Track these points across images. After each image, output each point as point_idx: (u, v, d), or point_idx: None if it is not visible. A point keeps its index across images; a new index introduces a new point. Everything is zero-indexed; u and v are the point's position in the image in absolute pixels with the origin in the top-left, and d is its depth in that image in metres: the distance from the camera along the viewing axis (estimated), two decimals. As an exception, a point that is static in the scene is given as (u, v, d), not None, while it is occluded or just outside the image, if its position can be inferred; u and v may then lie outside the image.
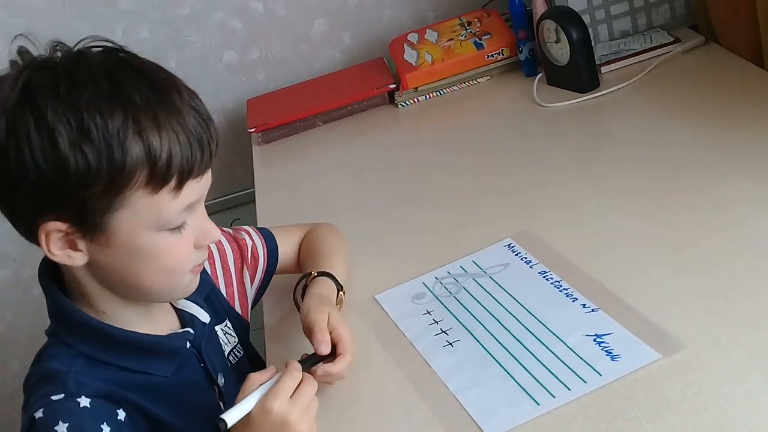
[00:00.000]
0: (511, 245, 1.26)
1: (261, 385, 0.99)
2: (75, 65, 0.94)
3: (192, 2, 2.08)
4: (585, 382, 0.98)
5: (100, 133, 0.91)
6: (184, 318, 1.12)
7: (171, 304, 1.12)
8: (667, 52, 1.70)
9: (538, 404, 0.97)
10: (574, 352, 1.03)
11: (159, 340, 1.06)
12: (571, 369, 1.00)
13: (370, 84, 1.92)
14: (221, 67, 2.14)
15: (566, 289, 1.13)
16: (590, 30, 1.77)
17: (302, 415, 0.96)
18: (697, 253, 1.13)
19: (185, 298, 1.12)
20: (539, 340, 1.06)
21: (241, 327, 1.24)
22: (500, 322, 1.12)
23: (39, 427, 0.95)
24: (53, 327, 1.05)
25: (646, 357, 0.99)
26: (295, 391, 0.98)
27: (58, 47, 0.96)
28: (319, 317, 1.10)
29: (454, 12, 2.03)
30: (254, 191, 1.73)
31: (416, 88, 1.87)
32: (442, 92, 1.88)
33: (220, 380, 1.13)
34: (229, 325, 1.22)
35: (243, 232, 1.31)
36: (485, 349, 1.08)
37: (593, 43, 1.77)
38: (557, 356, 1.03)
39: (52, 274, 1.04)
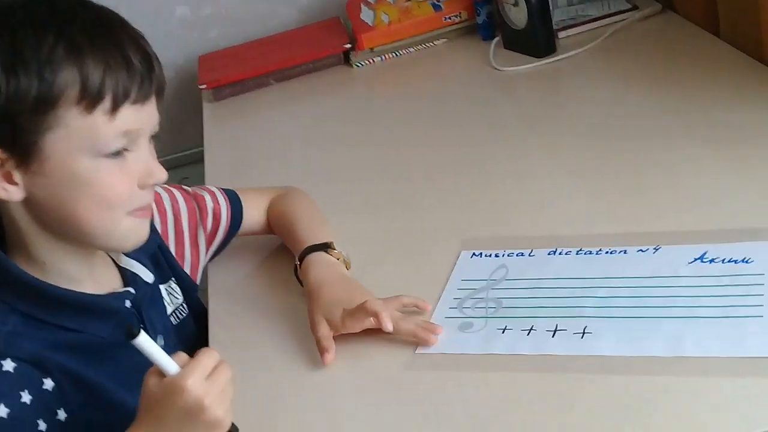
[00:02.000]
0: (478, 253, 1.14)
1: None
2: None
3: (143, -46, 2.03)
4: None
5: (32, 51, 0.91)
6: (127, 277, 1.09)
7: (114, 262, 1.09)
8: (623, 20, 1.70)
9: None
10: (705, 276, 0.97)
11: (97, 300, 1.03)
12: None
13: (326, 43, 1.89)
14: (173, 21, 2.09)
15: (596, 251, 1.06)
16: (548, -6, 1.76)
17: (218, 397, 0.87)
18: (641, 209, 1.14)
19: (129, 256, 1.09)
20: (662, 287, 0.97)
21: (189, 286, 1.22)
22: (600, 295, 0.99)
23: None
24: None
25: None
26: (211, 373, 0.88)
27: None
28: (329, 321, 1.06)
29: (415, -26, 2.00)
30: (203, 150, 1.70)
31: (372, 48, 1.85)
32: (398, 54, 1.85)
33: (160, 341, 1.09)
34: (173, 285, 1.19)
35: (206, 192, 1.28)
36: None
37: (551, 8, 1.76)
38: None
39: None
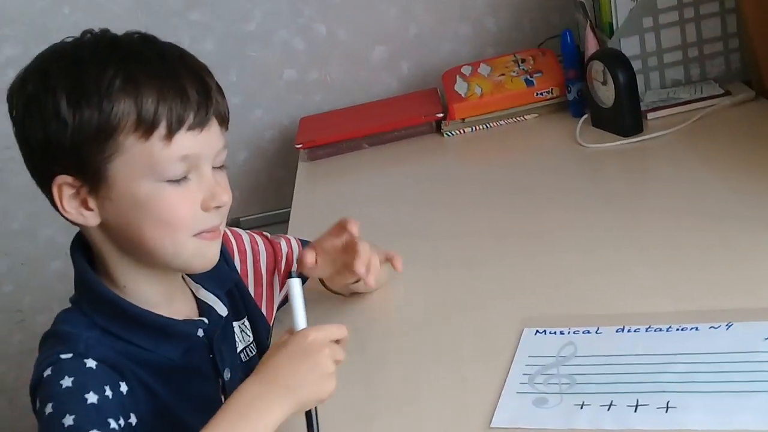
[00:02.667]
0: (542, 330, 1.12)
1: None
2: (84, 36, 1.05)
3: (258, 19, 2.14)
4: None
5: (94, 84, 0.99)
6: (202, 308, 1.15)
7: (192, 293, 1.15)
8: (714, 105, 1.70)
9: None
10: None
11: (171, 323, 1.09)
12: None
13: (420, 111, 1.95)
14: (281, 84, 2.20)
15: (666, 328, 1.06)
16: (642, 76, 1.78)
17: (331, 357, 0.98)
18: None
19: (207, 289, 1.15)
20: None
21: (262, 328, 1.26)
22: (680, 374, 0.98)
23: (46, 383, 0.99)
24: (76, 295, 1.09)
25: None
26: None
27: (88, 33, 1.05)
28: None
29: (513, 49, 2.05)
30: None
31: (463, 119, 1.90)
32: (488, 125, 1.90)
33: (227, 374, 1.15)
34: (247, 323, 1.24)
35: (282, 239, 1.34)
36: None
37: (643, 90, 1.78)
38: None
39: (81, 249, 1.09)
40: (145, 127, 1.00)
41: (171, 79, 1.01)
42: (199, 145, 1.03)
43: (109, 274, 1.08)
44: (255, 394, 0.96)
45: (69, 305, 1.09)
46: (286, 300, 1.31)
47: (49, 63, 1.03)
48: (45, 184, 1.04)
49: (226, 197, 1.06)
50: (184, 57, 1.06)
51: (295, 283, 1.02)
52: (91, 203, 1.03)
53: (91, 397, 0.99)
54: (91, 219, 1.04)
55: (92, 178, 1.02)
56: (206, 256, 1.08)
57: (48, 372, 1.00)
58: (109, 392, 1.01)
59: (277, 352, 0.99)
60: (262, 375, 0.98)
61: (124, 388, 1.03)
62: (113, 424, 0.99)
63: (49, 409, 0.97)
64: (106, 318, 1.05)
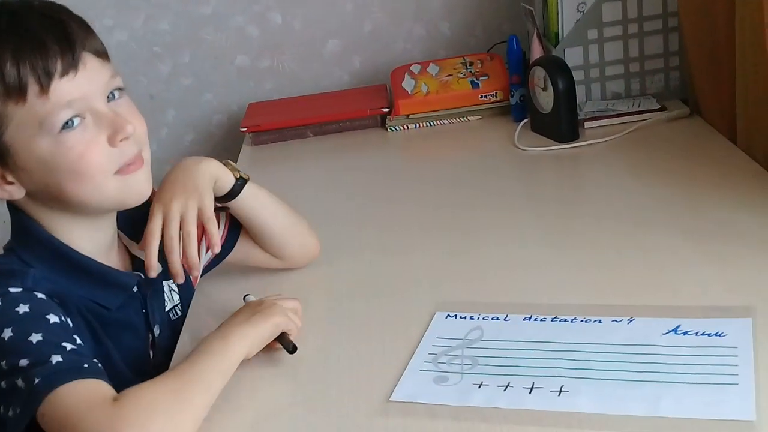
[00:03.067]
0: (453, 315, 1.15)
1: None
2: None
3: (215, 3, 2.15)
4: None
5: None
6: (136, 264, 1.17)
7: (126, 249, 1.18)
8: (650, 119, 1.74)
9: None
10: (680, 346, 1.00)
11: (111, 271, 1.12)
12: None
13: (366, 105, 1.98)
14: (232, 69, 2.21)
15: (571, 319, 1.09)
16: (583, 87, 1.82)
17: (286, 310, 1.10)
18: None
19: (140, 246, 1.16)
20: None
21: (188, 290, 1.27)
22: (576, 359, 1.01)
23: None
24: (11, 243, 1.09)
25: (739, 324, 1.01)
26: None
27: None
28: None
29: (464, 54, 2.08)
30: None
31: (408, 115, 1.92)
32: (432, 123, 1.93)
33: (156, 330, 1.18)
34: (173, 285, 1.24)
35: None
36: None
37: (583, 100, 1.82)
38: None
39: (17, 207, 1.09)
40: (16, 92, 1.00)
41: (26, 35, 1.00)
42: (79, 87, 1.02)
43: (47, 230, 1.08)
44: (214, 340, 1.04)
45: None
46: (207, 269, 1.33)
47: None
48: None
49: (129, 127, 1.05)
50: (35, 5, 1.04)
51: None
52: (9, 177, 1.03)
53: (53, 318, 1.00)
54: (15, 192, 1.05)
55: (1, 156, 1.02)
56: (135, 189, 1.08)
57: None
58: (65, 318, 1.02)
59: (233, 316, 1.09)
60: (220, 328, 1.07)
61: (70, 321, 1.03)
62: (79, 340, 1.00)
63: (8, 333, 0.97)
64: (46, 264, 1.06)
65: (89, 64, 1.04)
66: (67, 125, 1.02)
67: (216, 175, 1.21)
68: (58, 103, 1.01)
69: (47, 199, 1.06)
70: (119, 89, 1.07)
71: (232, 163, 1.26)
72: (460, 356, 1.06)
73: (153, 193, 1.16)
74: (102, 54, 1.06)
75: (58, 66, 1.01)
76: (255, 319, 1.07)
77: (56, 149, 1.02)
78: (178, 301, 1.25)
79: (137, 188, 1.09)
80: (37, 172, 1.03)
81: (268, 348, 1.10)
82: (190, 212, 1.15)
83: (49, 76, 1.01)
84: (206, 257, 1.32)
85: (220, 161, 1.23)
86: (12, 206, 1.09)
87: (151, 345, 1.18)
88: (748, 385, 0.92)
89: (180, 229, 1.15)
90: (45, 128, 1.01)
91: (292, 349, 1.09)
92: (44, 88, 1.00)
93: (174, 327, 1.22)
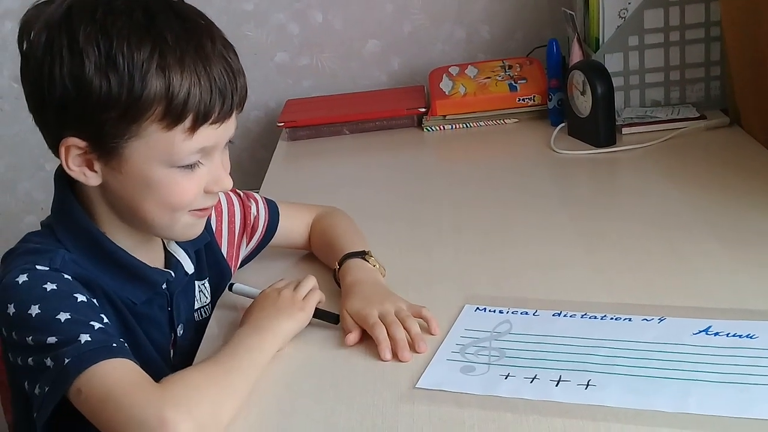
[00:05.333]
0: (482, 308, 1.15)
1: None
2: None
3: (257, 0, 2.18)
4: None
5: (126, 62, 0.97)
6: (171, 262, 1.17)
7: (163, 244, 1.17)
8: (688, 127, 1.73)
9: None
10: (710, 346, 0.99)
11: (143, 267, 1.11)
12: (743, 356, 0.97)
13: (403, 105, 1.99)
14: (272, 66, 2.23)
15: (601, 316, 1.09)
16: (622, 93, 1.82)
17: (302, 303, 1.13)
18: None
19: (178, 243, 1.17)
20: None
21: (220, 290, 1.28)
22: (606, 355, 1.01)
23: (22, 288, 0.99)
24: (50, 220, 1.10)
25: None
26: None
27: None
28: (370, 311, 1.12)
29: (504, 57, 2.08)
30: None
31: (444, 116, 1.93)
32: (468, 125, 1.93)
33: (180, 330, 1.18)
34: (207, 285, 1.26)
35: (252, 200, 1.34)
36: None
37: (622, 106, 1.82)
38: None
39: (67, 181, 1.09)
40: (172, 119, 0.99)
41: (203, 68, 0.99)
42: (216, 136, 1.03)
43: (91, 216, 1.08)
44: (249, 335, 1.07)
45: None
46: (246, 261, 1.35)
47: (77, 24, 0.98)
48: (53, 138, 1.03)
49: (228, 183, 1.07)
50: (215, 38, 1.03)
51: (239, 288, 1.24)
52: (96, 167, 1.03)
53: (80, 297, 1.01)
54: (92, 180, 1.04)
55: (106, 152, 1.01)
56: (194, 231, 1.11)
57: (24, 278, 1.00)
58: (93, 300, 1.03)
59: (251, 311, 1.14)
60: (249, 322, 1.10)
61: (96, 302, 1.04)
62: (105, 319, 1.01)
63: (35, 309, 0.98)
64: (80, 248, 1.06)
65: (232, 116, 1.05)
66: (188, 167, 1.03)
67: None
68: (194, 146, 1.02)
69: (117, 201, 1.06)
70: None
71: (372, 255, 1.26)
72: (488, 348, 1.05)
73: None
74: (242, 105, 1.06)
75: (216, 113, 1.01)
76: (283, 318, 1.10)
77: (164, 180, 1.03)
78: (207, 302, 1.26)
79: (195, 231, 1.11)
80: (130, 184, 1.03)
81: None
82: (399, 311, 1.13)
83: (206, 119, 1.01)
84: (246, 250, 1.34)
85: (365, 257, 1.25)
86: (60, 181, 1.09)
87: (172, 344, 1.18)
88: (778, 386, 0.91)
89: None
90: (169, 160, 1.02)
91: (335, 320, 1.14)
92: (194, 129, 1.01)
93: (199, 328, 1.22)
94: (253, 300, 1.18)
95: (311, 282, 1.18)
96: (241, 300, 1.23)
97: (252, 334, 1.07)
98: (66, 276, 1.02)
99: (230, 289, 1.24)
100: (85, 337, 0.96)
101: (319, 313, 1.15)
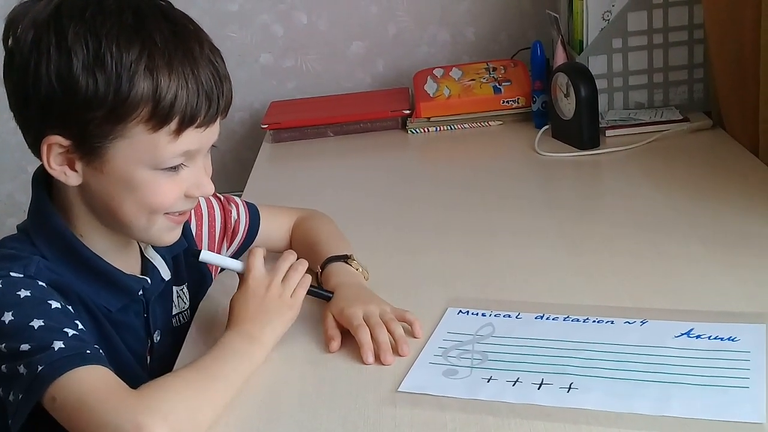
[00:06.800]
0: (465, 311, 1.15)
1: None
2: None
3: (241, 0, 2.17)
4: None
5: (114, 62, 0.96)
6: (147, 267, 1.16)
7: (140, 250, 1.17)
8: (671, 129, 1.73)
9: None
10: (692, 349, 0.99)
11: (119, 274, 1.10)
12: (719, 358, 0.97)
13: (387, 107, 1.99)
14: (256, 67, 2.23)
15: (584, 319, 1.09)
16: (606, 95, 1.82)
17: (288, 296, 1.11)
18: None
19: (155, 249, 1.16)
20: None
21: (202, 295, 1.27)
22: (589, 358, 1.01)
23: None
24: (26, 224, 1.09)
25: (752, 329, 1.01)
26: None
27: None
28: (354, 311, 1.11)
29: (488, 59, 2.08)
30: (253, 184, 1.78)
31: (429, 118, 1.93)
32: (452, 127, 1.93)
33: (156, 336, 1.17)
34: (186, 290, 1.25)
35: (232, 204, 1.34)
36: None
37: (606, 108, 1.82)
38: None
39: (44, 184, 1.08)
40: (158, 121, 0.99)
41: (191, 71, 0.99)
42: (201, 140, 1.03)
43: (68, 219, 1.08)
44: (238, 340, 1.06)
45: None
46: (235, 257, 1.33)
47: (66, 22, 0.98)
48: (34, 137, 1.02)
49: (209, 188, 1.07)
50: (203, 42, 1.03)
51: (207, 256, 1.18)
52: (78, 166, 1.02)
53: (54, 303, 1.00)
54: (72, 179, 1.03)
55: (89, 151, 1.00)
56: (169, 237, 1.10)
57: None
58: (67, 307, 1.01)
59: (237, 304, 1.11)
60: (237, 325, 1.08)
61: (71, 308, 1.03)
62: (80, 326, 1.00)
63: (8, 317, 0.97)
64: (55, 254, 1.05)
65: (216, 121, 1.05)
66: (171, 169, 1.02)
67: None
68: (179, 149, 1.01)
69: (96, 202, 1.05)
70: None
71: (355, 259, 1.25)
72: (471, 351, 1.05)
73: None
74: (227, 110, 1.06)
75: (202, 116, 1.01)
76: (274, 324, 1.08)
77: (146, 182, 1.02)
78: (186, 307, 1.24)
79: (172, 237, 1.10)
80: (111, 185, 1.02)
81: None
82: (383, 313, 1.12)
83: (191, 122, 1.00)
84: (226, 254, 1.32)
85: (348, 261, 1.24)
86: (38, 183, 1.08)
87: (149, 350, 1.17)
88: (759, 389, 0.91)
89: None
90: (153, 163, 1.01)
91: (327, 298, 1.15)
92: (179, 132, 1.00)
93: (177, 334, 1.20)
94: (238, 278, 1.14)
95: (300, 271, 1.14)
96: (222, 304, 1.22)
97: (239, 341, 1.06)
98: (40, 283, 1.01)
99: (197, 258, 1.17)
100: (58, 344, 0.95)
101: (311, 292, 1.14)
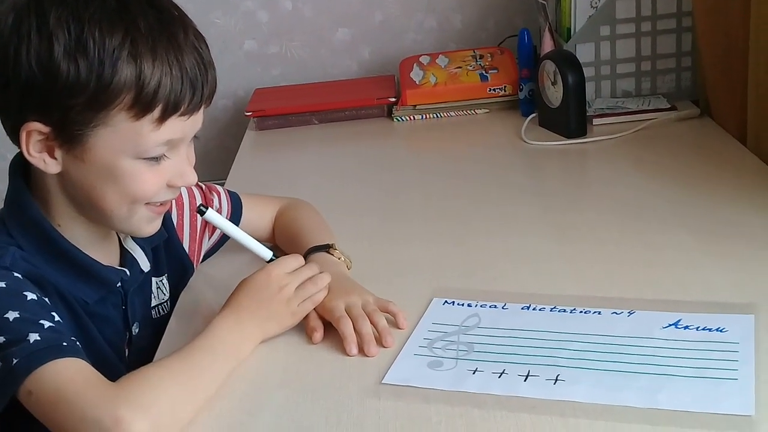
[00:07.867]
0: (450, 301, 1.14)
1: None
2: None
3: (225, -14, 2.15)
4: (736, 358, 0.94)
5: (96, 47, 0.94)
6: (126, 259, 1.14)
7: (119, 241, 1.15)
8: (660, 117, 1.72)
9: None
10: (680, 340, 0.98)
11: (97, 265, 1.08)
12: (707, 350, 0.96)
13: (373, 94, 1.97)
14: (240, 54, 2.20)
15: (570, 310, 1.07)
16: (593, 83, 1.80)
17: (291, 293, 1.08)
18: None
19: (135, 240, 1.15)
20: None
21: (182, 286, 1.25)
22: (574, 349, 1.00)
23: None
24: (3, 213, 1.06)
25: (741, 320, 1.00)
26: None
27: None
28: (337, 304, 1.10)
29: (475, 47, 2.07)
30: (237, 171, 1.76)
31: (415, 106, 1.91)
32: (438, 115, 1.91)
33: (135, 328, 1.15)
34: (166, 282, 1.23)
35: (214, 193, 1.32)
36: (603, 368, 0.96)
37: (593, 96, 1.81)
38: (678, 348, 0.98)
39: (22, 172, 1.06)
40: (141, 108, 0.96)
41: (175, 58, 0.97)
42: (184, 129, 1.01)
43: (46, 208, 1.06)
44: (229, 328, 1.03)
45: None
46: (207, 255, 1.32)
47: (47, 6, 0.96)
48: (13, 123, 1.00)
49: (192, 177, 1.05)
50: (188, 29, 1.01)
51: (211, 215, 1.14)
52: (57, 154, 1.00)
53: (30, 295, 0.98)
54: (52, 167, 1.01)
55: (69, 139, 0.98)
56: (149, 228, 1.08)
57: None
58: (43, 299, 0.99)
59: (245, 288, 1.08)
60: (234, 310, 1.05)
61: (47, 301, 1.01)
62: (57, 317, 0.98)
63: None
64: (32, 245, 1.03)
65: (200, 109, 1.02)
66: (153, 159, 1.00)
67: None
68: (162, 137, 0.99)
69: (77, 191, 1.03)
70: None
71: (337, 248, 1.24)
72: (456, 342, 1.04)
73: None
74: (210, 100, 1.04)
75: (185, 104, 0.98)
76: (271, 324, 1.07)
77: (128, 171, 1.00)
78: (166, 299, 1.22)
79: (153, 226, 1.08)
80: (92, 173, 1.00)
81: None
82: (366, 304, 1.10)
83: (175, 110, 0.98)
84: (208, 244, 1.31)
85: (330, 251, 1.22)
86: (15, 171, 1.06)
87: (127, 342, 1.15)
88: (748, 380, 0.90)
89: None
90: (135, 151, 0.99)
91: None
92: (162, 120, 0.98)
93: (157, 325, 1.18)
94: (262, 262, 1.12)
95: (318, 285, 1.10)
96: (202, 296, 1.21)
97: (229, 332, 1.03)
98: (16, 274, 0.99)
99: (201, 214, 1.13)
100: (34, 336, 0.93)
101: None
